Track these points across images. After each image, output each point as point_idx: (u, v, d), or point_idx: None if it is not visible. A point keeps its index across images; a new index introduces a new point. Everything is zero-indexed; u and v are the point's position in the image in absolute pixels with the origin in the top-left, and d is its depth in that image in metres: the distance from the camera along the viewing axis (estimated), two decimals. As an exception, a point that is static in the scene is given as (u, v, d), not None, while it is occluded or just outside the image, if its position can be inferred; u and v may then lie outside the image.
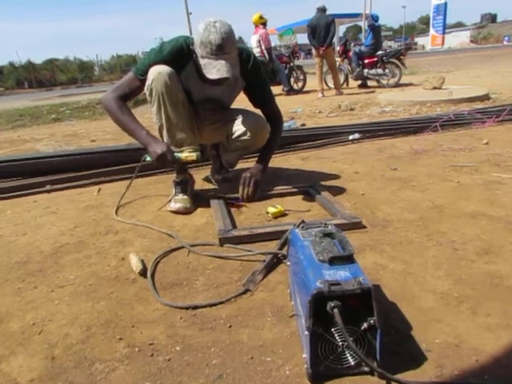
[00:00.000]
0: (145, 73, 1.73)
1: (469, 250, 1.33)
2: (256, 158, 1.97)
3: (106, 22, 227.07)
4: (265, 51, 7.51)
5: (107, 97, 1.78)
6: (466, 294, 1.10)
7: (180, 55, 1.74)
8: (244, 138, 1.96)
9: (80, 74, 29.72)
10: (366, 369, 0.84)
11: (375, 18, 7.92)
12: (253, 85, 1.90)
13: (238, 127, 1.97)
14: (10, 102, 11.13)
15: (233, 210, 1.84)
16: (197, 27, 1.64)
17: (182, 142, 1.82)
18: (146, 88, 1.73)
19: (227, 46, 1.60)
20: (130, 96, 1.82)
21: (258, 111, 2.00)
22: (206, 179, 2.37)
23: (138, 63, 1.82)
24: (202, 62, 1.65)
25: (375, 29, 7.84)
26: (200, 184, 2.25)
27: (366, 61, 7.93)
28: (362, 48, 7.99)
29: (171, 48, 1.74)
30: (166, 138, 1.83)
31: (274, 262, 1.33)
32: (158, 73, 1.70)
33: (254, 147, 2.03)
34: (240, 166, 2.33)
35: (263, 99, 1.95)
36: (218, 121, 2.03)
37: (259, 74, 1.88)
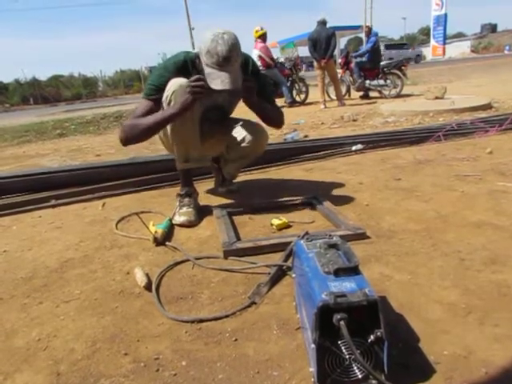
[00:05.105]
0: (154, 91, 1.74)
1: (475, 260, 1.32)
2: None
3: (110, 37, 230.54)
4: (267, 59, 7.58)
5: (123, 127, 1.80)
6: (474, 304, 1.09)
7: (183, 68, 1.75)
8: (243, 145, 1.99)
9: (84, 89, 30.09)
10: (374, 382, 0.82)
11: (374, 34, 8.02)
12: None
13: (237, 135, 2.01)
14: (16, 118, 11.26)
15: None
16: (203, 35, 1.65)
17: (190, 156, 1.86)
18: (164, 98, 1.71)
19: (233, 57, 1.63)
20: (145, 116, 1.76)
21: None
22: (210, 192, 2.38)
23: (145, 88, 1.82)
24: (206, 70, 1.66)
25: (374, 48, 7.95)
26: (204, 197, 2.26)
27: (368, 72, 7.99)
28: (363, 59, 8.05)
29: (173, 61, 1.77)
30: (176, 151, 1.86)
31: (279, 275, 1.32)
32: (180, 85, 1.69)
33: (253, 154, 2.06)
34: (243, 177, 2.34)
35: (265, 98, 1.96)
36: (218, 132, 2.06)
37: (258, 75, 1.93)
